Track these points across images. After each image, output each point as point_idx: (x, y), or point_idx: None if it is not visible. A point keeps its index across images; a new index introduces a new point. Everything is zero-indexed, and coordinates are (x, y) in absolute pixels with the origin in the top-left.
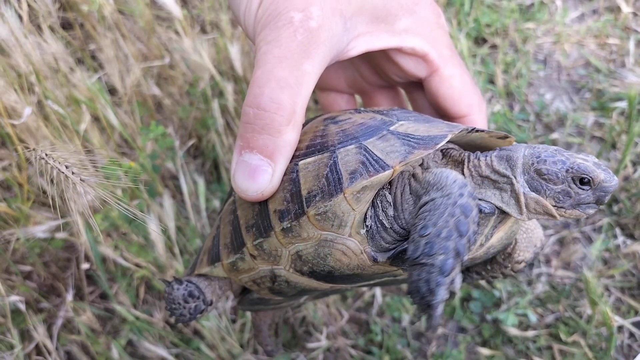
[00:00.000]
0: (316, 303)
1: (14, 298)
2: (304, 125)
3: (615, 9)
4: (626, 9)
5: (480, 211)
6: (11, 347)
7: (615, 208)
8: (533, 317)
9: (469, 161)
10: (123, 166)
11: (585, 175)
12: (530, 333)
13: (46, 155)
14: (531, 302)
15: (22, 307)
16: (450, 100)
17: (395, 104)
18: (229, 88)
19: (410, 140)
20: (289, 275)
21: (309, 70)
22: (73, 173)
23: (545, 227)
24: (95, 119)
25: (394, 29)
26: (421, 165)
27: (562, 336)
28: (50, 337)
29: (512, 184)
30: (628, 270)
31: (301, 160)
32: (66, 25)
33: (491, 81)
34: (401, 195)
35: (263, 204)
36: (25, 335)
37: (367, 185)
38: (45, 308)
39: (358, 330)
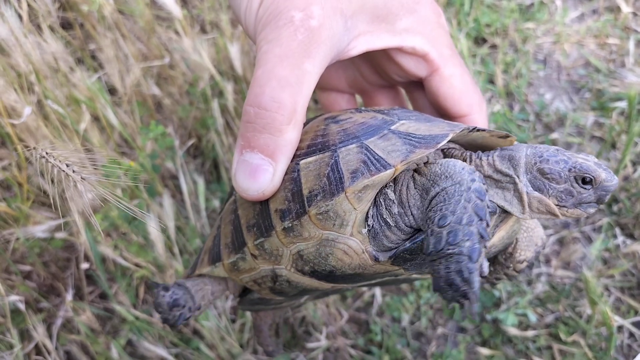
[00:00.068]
0: (316, 303)
1: (13, 298)
2: (304, 124)
3: (615, 9)
4: (626, 9)
5: None
6: (11, 346)
7: (615, 208)
8: (533, 317)
9: (470, 161)
10: (123, 166)
11: (587, 175)
12: (530, 333)
13: (46, 154)
14: (531, 302)
15: (22, 306)
16: (451, 100)
17: (395, 104)
18: (228, 88)
19: (411, 140)
20: (290, 275)
21: (310, 70)
22: (74, 171)
23: (545, 227)
24: (95, 118)
25: (394, 29)
26: (425, 164)
27: (562, 336)
28: (50, 336)
29: (515, 183)
30: (628, 270)
31: (302, 159)
32: (66, 25)
33: (491, 81)
34: (407, 192)
35: (264, 203)
36: (24, 335)
37: (369, 185)
38: (45, 308)
39: (358, 330)
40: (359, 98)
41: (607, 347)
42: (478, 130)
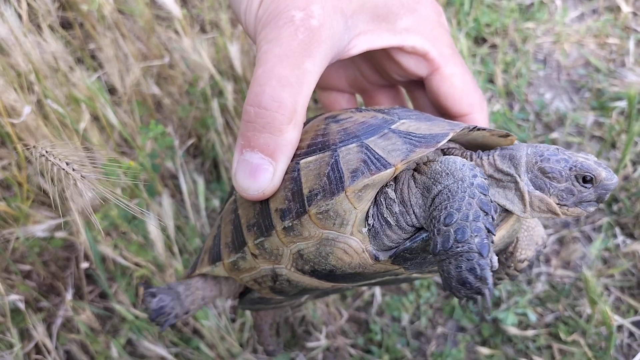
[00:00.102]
0: (316, 302)
1: (13, 297)
2: (305, 124)
3: (615, 9)
4: (626, 9)
5: None
6: (11, 346)
7: (615, 207)
8: (533, 317)
9: (471, 160)
10: (122, 165)
11: (588, 173)
12: (529, 332)
13: (46, 152)
14: (531, 302)
15: (22, 306)
16: (452, 99)
17: (396, 103)
18: (228, 87)
19: (411, 139)
20: (291, 275)
21: (310, 69)
22: (74, 170)
23: (545, 226)
24: (95, 118)
25: (395, 28)
26: (425, 163)
27: (562, 335)
28: (50, 336)
29: (516, 182)
30: (628, 270)
31: (302, 159)
32: (66, 25)
33: (491, 81)
34: (408, 191)
35: (264, 203)
36: (24, 335)
37: (369, 184)
38: (45, 307)
39: (357, 330)
40: (359, 97)
41: (606, 346)
42: (478, 129)
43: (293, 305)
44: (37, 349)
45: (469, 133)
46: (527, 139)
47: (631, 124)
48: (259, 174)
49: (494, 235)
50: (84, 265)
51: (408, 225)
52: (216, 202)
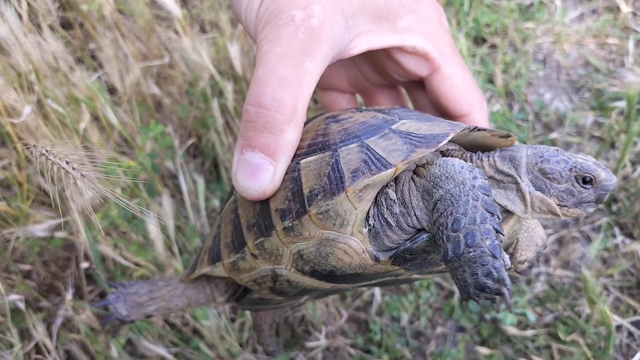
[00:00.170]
0: (315, 302)
1: (13, 297)
2: (305, 124)
3: (614, 9)
4: (625, 9)
5: None
6: (11, 345)
7: (614, 207)
8: (532, 317)
9: (471, 161)
10: (122, 165)
11: (588, 174)
12: (529, 332)
13: (46, 151)
14: (530, 302)
15: (22, 306)
16: (452, 99)
17: (396, 103)
18: (228, 87)
19: (412, 139)
20: (291, 275)
21: (311, 69)
22: (74, 169)
23: (544, 227)
24: (95, 118)
25: (395, 28)
26: (423, 165)
27: (561, 335)
28: (50, 336)
29: (517, 183)
30: (627, 270)
31: (303, 159)
32: (66, 25)
33: (490, 81)
34: (409, 193)
35: (264, 203)
36: (24, 334)
37: (369, 184)
38: (45, 307)
39: (357, 330)
40: (359, 98)
41: (606, 346)
42: (479, 129)
43: (293, 306)
44: (37, 349)
45: (469, 134)
46: (527, 139)
47: (630, 124)
48: (259, 173)
49: (503, 235)
50: (84, 265)
51: (409, 226)
52: (216, 202)
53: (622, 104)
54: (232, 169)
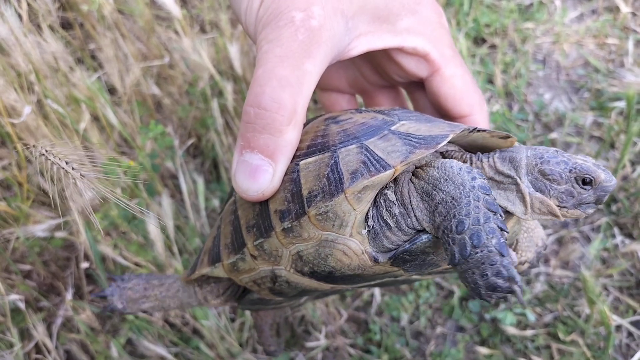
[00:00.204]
0: (315, 302)
1: (13, 297)
2: (304, 125)
3: (614, 9)
4: (625, 9)
5: None
6: (11, 345)
7: (613, 208)
8: (531, 317)
9: (471, 162)
10: (122, 165)
11: (587, 175)
12: (528, 332)
13: (46, 151)
14: (530, 302)
15: (22, 305)
16: (452, 100)
17: (396, 104)
18: (228, 88)
19: (411, 140)
20: (290, 276)
21: (310, 70)
22: (73, 169)
23: (544, 227)
24: (95, 118)
25: (395, 29)
26: (422, 167)
27: (561, 335)
28: (50, 335)
29: (517, 184)
30: (626, 270)
31: (302, 160)
32: (66, 25)
33: (490, 81)
34: (409, 194)
35: (264, 204)
36: (24, 334)
37: (368, 185)
38: (45, 307)
39: (357, 330)
40: (359, 98)
41: (605, 346)
42: (478, 130)
43: (292, 306)
44: (37, 349)
45: (468, 135)
46: (526, 139)
47: (630, 124)
48: (259, 174)
49: (507, 232)
50: (84, 265)
51: (408, 227)
52: (216, 202)
53: (621, 104)
54: (231, 170)
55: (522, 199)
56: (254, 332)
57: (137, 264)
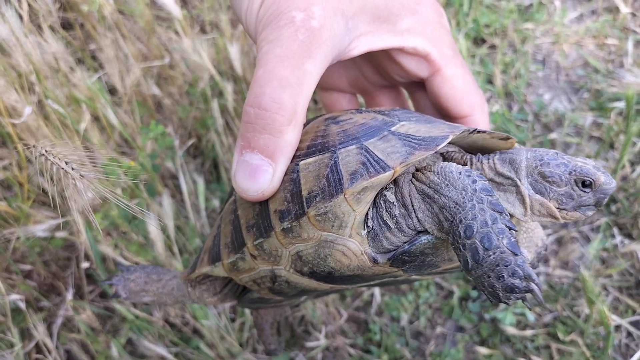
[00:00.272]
0: (315, 302)
1: (14, 297)
2: (305, 125)
3: (613, 10)
4: (625, 10)
5: None
6: (11, 345)
7: (613, 208)
8: (531, 317)
9: (471, 164)
10: (123, 165)
11: (587, 178)
12: (528, 332)
13: (46, 152)
14: (529, 301)
15: (22, 305)
16: (452, 101)
17: (397, 104)
18: (228, 88)
19: (411, 141)
20: (289, 276)
21: (311, 70)
22: (73, 169)
23: (543, 227)
24: (95, 118)
25: (395, 29)
26: (422, 169)
27: (560, 335)
28: (50, 335)
29: (517, 186)
30: (626, 270)
31: (302, 160)
32: (66, 25)
33: (490, 81)
34: (409, 195)
35: (264, 204)
36: (25, 334)
37: (368, 186)
38: (45, 307)
39: (357, 330)
40: (360, 98)
41: (604, 346)
42: (479, 132)
43: (292, 305)
44: (38, 349)
45: (468, 136)
46: (526, 140)
47: (629, 125)
48: (259, 174)
49: (516, 230)
50: (85, 265)
51: (409, 228)
52: (216, 203)
53: (621, 105)
54: (231, 170)
55: (522, 201)
56: (254, 332)
57: (137, 264)
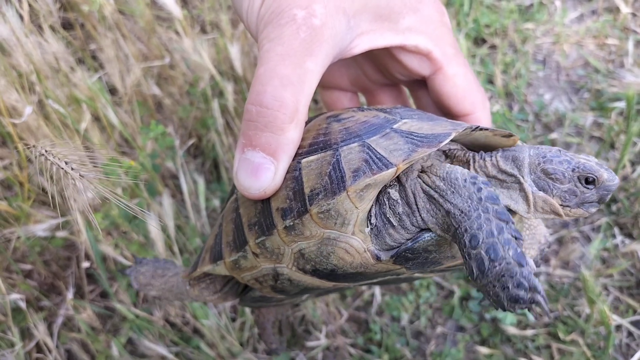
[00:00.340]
0: (316, 302)
1: (14, 296)
2: (306, 123)
3: (614, 10)
4: (625, 10)
5: None
6: (12, 345)
7: (613, 207)
8: (531, 316)
9: (474, 161)
10: (123, 165)
11: (590, 175)
12: (528, 332)
13: (46, 151)
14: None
15: (23, 305)
16: (454, 99)
17: (398, 102)
18: (228, 88)
19: (413, 139)
20: (292, 274)
21: (312, 68)
22: (72, 169)
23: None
24: (96, 118)
25: (397, 27)
26: (427, 170)
27: (561, 335)
28: (51, 335)
29: (520, 183)
30: (626, 270)
31: (304, 158)
32: (67, 25)
33: (490, 81)
34: (413, 194)
35: (265, 202)
36: (25, 334)
37: (371, 184)
38: (46, 306)
39: (357, 329)
40: (361, 97)
41: (605, 346)
42: (481, 129)
43: (294, 303)
44: (38, 348)
45: (471, 133)
46: (527, 140)
47: (630, 125)
48: (261, 173)
49: (522, 240)
50: (85, 264)
51: (413, 225)
52: (216, 202)
53: (621, 105)
54: (233, 168)
55: (525, 198)
56: (255, 331)
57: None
